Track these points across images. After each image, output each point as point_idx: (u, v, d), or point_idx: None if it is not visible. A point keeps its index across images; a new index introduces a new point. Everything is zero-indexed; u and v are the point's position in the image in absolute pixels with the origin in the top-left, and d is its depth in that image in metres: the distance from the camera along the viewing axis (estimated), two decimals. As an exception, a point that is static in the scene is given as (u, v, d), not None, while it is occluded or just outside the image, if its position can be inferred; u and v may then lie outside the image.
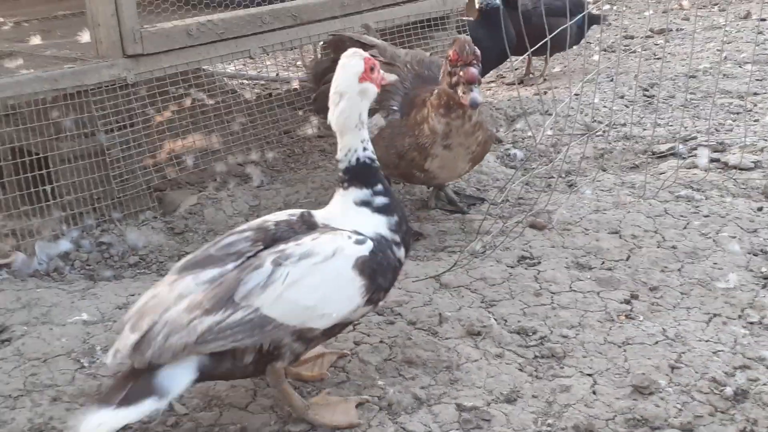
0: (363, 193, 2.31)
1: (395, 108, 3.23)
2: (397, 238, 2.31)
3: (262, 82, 5.51)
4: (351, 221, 2.27)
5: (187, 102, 4.28)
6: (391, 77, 2.52)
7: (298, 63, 5.82)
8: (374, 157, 2.36)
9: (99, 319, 2.76)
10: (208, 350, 2.02)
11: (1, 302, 2.85)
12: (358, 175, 2.32)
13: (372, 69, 2.37)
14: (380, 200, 2.31)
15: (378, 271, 2.20)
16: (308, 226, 2.25)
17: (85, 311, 2.79)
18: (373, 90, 2.37)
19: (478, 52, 2.98)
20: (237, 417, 2.27)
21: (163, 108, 3.94)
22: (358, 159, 2.32)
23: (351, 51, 2.41)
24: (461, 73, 2.93)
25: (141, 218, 3.51)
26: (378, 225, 2.28)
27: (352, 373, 2.44)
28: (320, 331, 2.16)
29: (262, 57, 4.89)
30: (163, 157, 3.85)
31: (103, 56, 3.42)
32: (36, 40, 4.00)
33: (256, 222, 2.30)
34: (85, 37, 3.71)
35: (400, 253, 2.33)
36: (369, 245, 2.20)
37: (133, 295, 2.90)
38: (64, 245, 3.26)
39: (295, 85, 5.02)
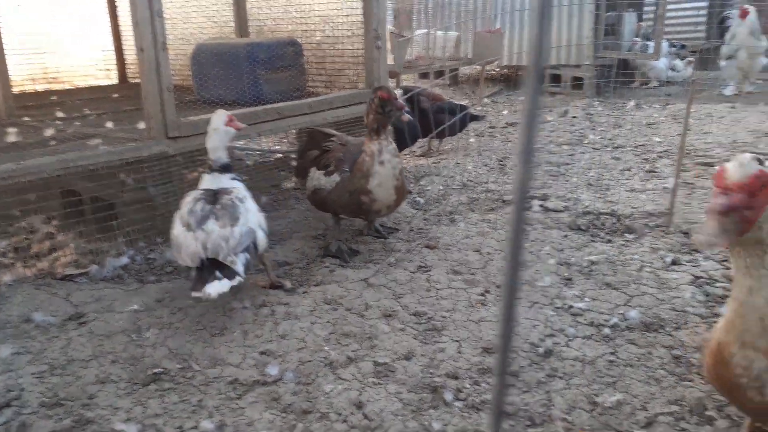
0: (230, 175, 2.88)
1: (347, 169, 3.25)
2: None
3: (258, 153, 5.49)
4: (230, 183, 2.84)
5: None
6: (243, 125, 2.95)
7: (283, 140, 5.82)
8: (228, 161, 2.89)
9: (145, 308, 2.72)
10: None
11: (81, 297, 2.80)
12: (226, 168, 2.87)
13: (231, 120, 2.86)
14: (234, 176, 2.91)
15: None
16: (216, 191, 2.77)
17: (136, 303, 2.75)
18: (232, 131, 2.87)
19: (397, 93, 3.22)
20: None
21: (192, 170, 3.91)
22: (223, 162, 2.86)
23: (220, 110, 2.91)
24: (397, 104, 3.12)
25: (176, 242, 3.48)
26: (239, 184, 2.87)
27: (309, 342, 2.45)
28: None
29: (258, 138, 4.91)
30: (193, 202, 3.81)
31: (153, 137, 3.38)
32: (110, 126, 3.92)
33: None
34: (141, 125, 3.66)
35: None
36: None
37: (168, 293, 2.87)
38: (124, 260, 3.20)
39: (279, 155, 5.01)
